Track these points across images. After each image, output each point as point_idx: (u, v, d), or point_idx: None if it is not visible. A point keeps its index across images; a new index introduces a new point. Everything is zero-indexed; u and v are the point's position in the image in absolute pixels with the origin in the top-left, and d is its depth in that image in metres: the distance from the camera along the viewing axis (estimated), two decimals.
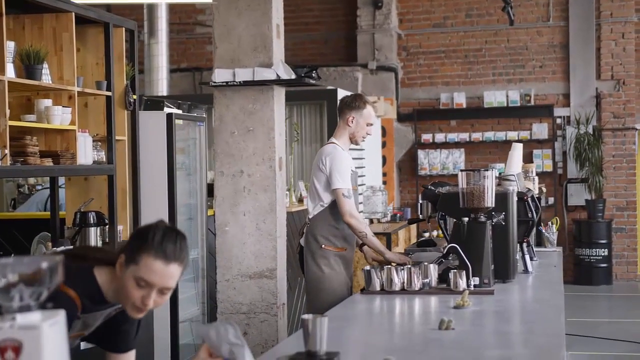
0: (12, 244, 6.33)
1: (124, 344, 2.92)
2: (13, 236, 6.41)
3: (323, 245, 5.23)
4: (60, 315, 1.82)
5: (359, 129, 5.32)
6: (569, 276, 12.48)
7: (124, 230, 5.89)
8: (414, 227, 11.43)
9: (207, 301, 6.92)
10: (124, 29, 5.91)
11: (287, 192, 8.12)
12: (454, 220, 4.59)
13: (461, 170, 4.51)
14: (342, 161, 5.20)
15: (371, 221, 10.27)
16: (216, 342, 2.54)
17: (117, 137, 5.75)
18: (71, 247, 4.97)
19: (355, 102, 5.35)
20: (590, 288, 12.06)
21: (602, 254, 12.24)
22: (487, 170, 4.46)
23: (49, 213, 5.78)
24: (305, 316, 2.76)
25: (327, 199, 5.23)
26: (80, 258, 2.75)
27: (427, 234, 12.38)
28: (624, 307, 11.04)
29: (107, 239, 5.63)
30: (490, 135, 12.75)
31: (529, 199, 5.11)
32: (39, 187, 8.67)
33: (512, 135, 12.58)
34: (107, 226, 5.58)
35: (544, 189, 10.57)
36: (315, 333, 2.75)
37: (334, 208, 5.23)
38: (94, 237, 5.42)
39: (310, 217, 5.33)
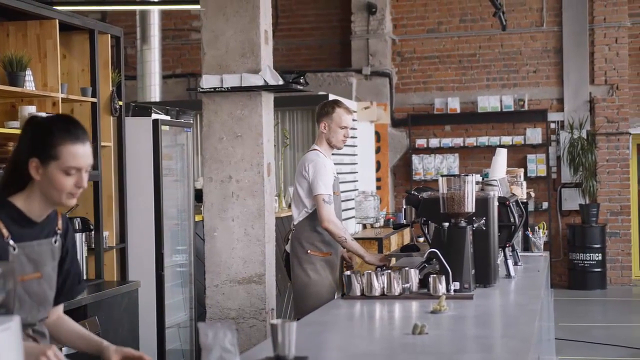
0: None
1: (73, 290, 2.92)
2: None
3: (309, 251, 5.33)
4: (15, 321, 1.83)
5: (332, 133, 5.42)
6: (563, 281, 12.50)
7: (109, 236, 5.90)
8: (407, 232, 11.44)
9: (195, 306, 6.93)
10: (109, 35, 5.93)
11: (277, 198, 8.14)
12: (435, 225, 4.60)
13: (442, 176, 4.52)
14: (325, 167, 5.29)
15: (364, 226, 10.28)
16: (210, 343, 2.57)
17: (102, 143, 5.77)
18: None
19: (325, 108, 5.48)
20: (584, 293, 12.06)
21: (596, 259, 12.24)
22: (468, 175, 4.47)
23: None
24: (274, 321, 2.78)
25: (310, 205, 5.31)
26: None
27: (422, 239, 12.38)
28: (618, 311, 11.04)
29: (92, 245, 5.64)
30: (484, 140, 12.76)
31: (512, 204, 5.11)
32: None
33: (506, 140, 12.59)
34: (92, 232, 5.59)
35: (532, 194, 10.58)
36: (284, 338, 2.77)
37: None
38: (80, 243, 5.43)
39: (295, 223, 5.42)
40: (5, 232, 2.66)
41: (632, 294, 12.19)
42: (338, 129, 5.42)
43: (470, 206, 4.43)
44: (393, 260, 5.61)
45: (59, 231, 2.83)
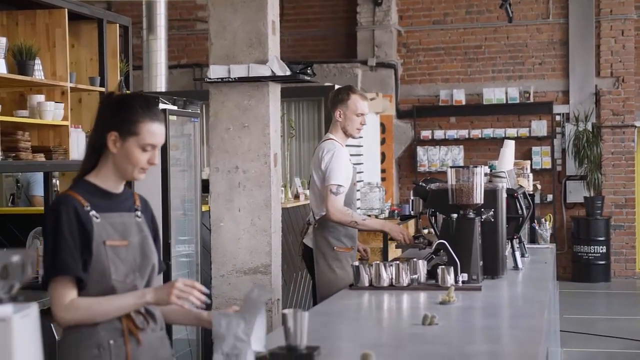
0: (9, 239, 6.35)
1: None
2: (9, 231, 6.44)
3: (335, 247, 5.18)
4: (32, 309, 1.84)
5: (348, 121, 5.25)
6: (567, 273, 12.51)
7: None
8: (412, 223, 11.44)
9: None
10: (117, 25, 5.92)
11: (283, 189, 8.14)
12: (443, 216, 4.60)
13: (450, 167, 4.52)
14: (341, 158, 5.13)
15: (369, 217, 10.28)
16: (224, 331, 2.59)
17: None
18: None
19: (339, 95, 5.30)
20: (589, 285, 12.07)
21: (601, 251, 12.25)
22: (476, 167, 4.46)
23: (42, 209, 5.79)
24: (286, 311, 2.78)
25: None
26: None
27: (425, 231, 12.39)
28: (622, 304, 11.06)
29: None
30: (489, 132, 12.76)
31: (520, 196, 5.11)
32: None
33: (511, 132, 12.59)
34: None
35: (539, 186, 10.59)
36: (296, 327, 2.78)
37: None
38: None
39: (317, 217, 5.24)
40: (85, 203, 2.80)
41: (635, 287, 12.21)
42: (354, 116, 5.24)
43: (479, 197, 4.43)
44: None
45: (138, 207, 2.96)
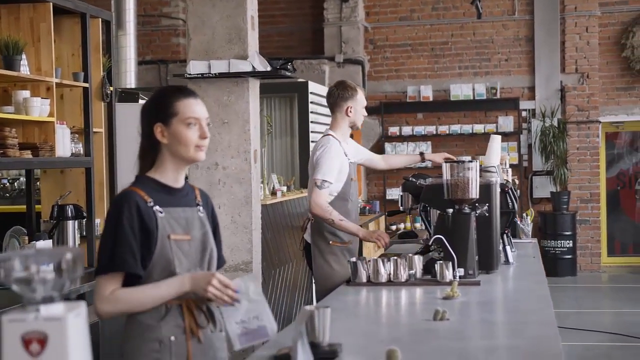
0: None
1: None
2: None
3: (331, 242, 5.16)
4: (82, 307, 1.80)
5: (357, 115, 5.33)
6: None
7: (101, 224, 5.81)
8: (382, 219, 11.50)
9: None
10: (100, 19, 5.83)
11: (261, 185, 8.10)
12: (438, 211, 4.60)
13: (445, 162, 4.52)
14: (332, 153, 5.10)
15: None
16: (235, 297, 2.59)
17: (94, 129, 5.68)
18: None
19: (348, 91, 5.30)
20: (555, 279, 12.17)
21: (567, 246, 12.38)
22: (472, 161, 4.47)
23: (24, 206, 5.68)
24: (309, 307, 2.76)
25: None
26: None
27: (394, 227, 12.43)
28: (589, 297, 11.18)
29: (84, 233, 5.56)
30: (456, 128, 12.82)
31: (509, 190, 5.14)
32: (4, 181, 8.53)
33: (479, 128, 12.67)
34: (84, 219, 5.51)
35: (517, 181, 10.67)
36: (319, 324, 2.75)
37: (338, 202, 5.13)
38: (72, 230, 5.35)
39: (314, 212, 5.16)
40: (148, 198, 2.81)
41: (601, 281, 12.36)
42: (361, 109, 5.35)
43: (474, 192, 4.44)
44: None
45: (199, 202, 2.96)
